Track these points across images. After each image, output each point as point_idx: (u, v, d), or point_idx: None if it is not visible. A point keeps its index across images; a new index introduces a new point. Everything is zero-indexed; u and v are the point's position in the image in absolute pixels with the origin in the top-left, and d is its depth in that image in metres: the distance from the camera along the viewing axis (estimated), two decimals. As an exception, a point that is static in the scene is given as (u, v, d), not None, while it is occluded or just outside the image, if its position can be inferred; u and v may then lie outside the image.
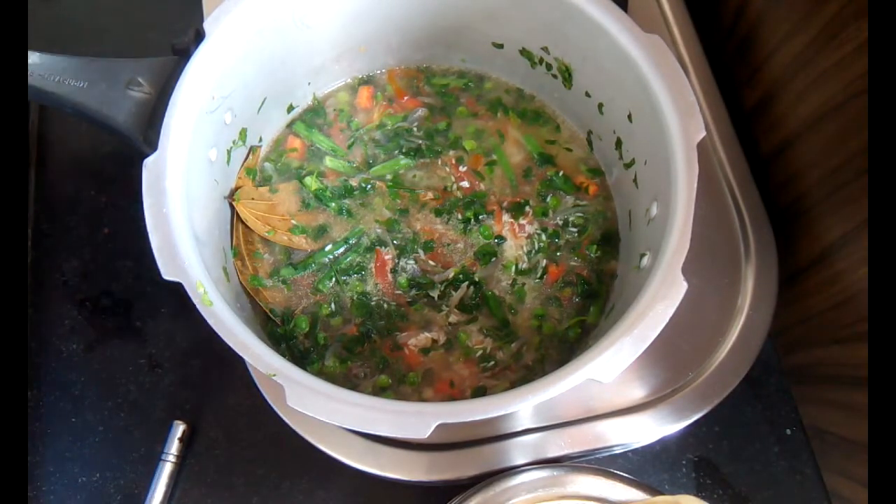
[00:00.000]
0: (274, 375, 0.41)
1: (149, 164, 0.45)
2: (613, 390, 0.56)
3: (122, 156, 0.50)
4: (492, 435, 0.54)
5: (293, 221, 0.58)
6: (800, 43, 0.56)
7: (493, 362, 0.54)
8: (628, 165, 0.55)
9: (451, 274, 0.56)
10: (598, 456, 0.56)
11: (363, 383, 0.53)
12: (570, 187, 0.59)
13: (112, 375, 0.59)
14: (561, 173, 0.60)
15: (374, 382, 0.53)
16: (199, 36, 0.48)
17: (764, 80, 0.62)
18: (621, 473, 0.49)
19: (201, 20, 0.49)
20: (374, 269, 0.57)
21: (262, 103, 0.57)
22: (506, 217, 0.58)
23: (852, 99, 0.51)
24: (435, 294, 0.56)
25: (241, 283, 0.55)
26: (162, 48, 0.48)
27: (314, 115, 0.62)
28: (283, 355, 0.44)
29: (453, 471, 0.53)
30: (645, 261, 0.50)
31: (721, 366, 0.57)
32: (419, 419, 0.40)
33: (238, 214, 0.56)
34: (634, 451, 0.57)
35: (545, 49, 0.57)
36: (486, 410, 0.41)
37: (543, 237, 0.58)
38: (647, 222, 0.51)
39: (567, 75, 0.57)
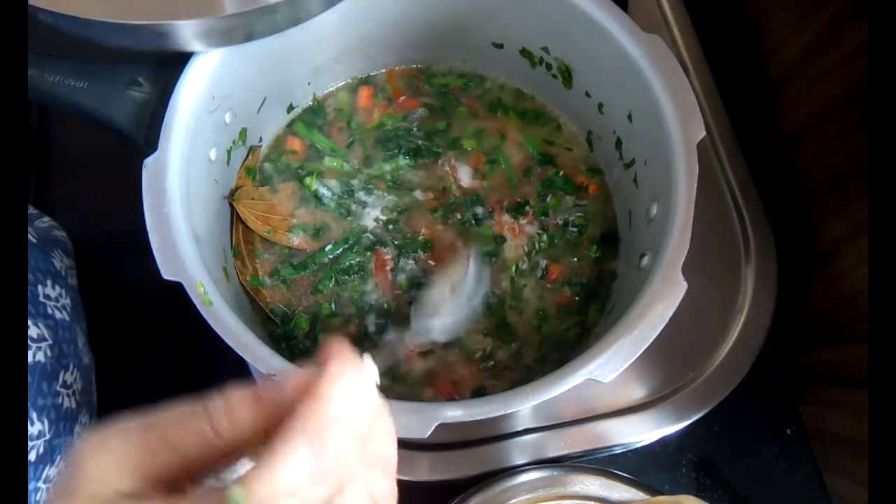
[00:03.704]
0: (274, 375, 0.41)
1: (149, 164, 0.45)
2: (613, 390, 0.56)
3: (122, 156, 0.50)
4: (492, 435, 0.55)
5: (293, 221, 0.58)
6: (800, 43, 0.56)
7: (493, 362, 0.54)
8: (628, 165, 0.55)
9: (451, 274, 0.56)
10: (598, 456, 0.56)
11: (363, 383, 0.53)
12: (570, 187, 0.59)
13: (112, 376, 0.59)
14: (561, 173, 0.60)
15: (374, 382, 0.53)
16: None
17: (764, 80, 0.62)
18: (621, 473, 0.49)
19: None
20: (373, 269, 0.57)
21: (262, 103, 0.57)
22: (506, 217, 0.58)
23: (852, 99, 0.51)
24: (435, 294, 0.56)
25: (241, 283, 0.55)
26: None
27: (314, 115, 0.62)
28: (283, 355, 0.44)
29: (453, 471, 0.53)
30: (645, 261, 0.50)
31: (721, 366, 0.57)
32: (419, 419, 0.40)
33: (238, 214, 0.56)
34: (634, 451, 0.57)
35: (545, 49, 0.57)
36: (486, 410, 0.41)
37: (543, 237, 0.58)
38: (647, 222, 0.51)
39: (567, 75, 0.57)
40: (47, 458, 0.46)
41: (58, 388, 0.47)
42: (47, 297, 0.49)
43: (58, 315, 0.50)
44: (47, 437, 0.45)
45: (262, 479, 0.23)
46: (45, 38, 0.43)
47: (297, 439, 0.24)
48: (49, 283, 0.50)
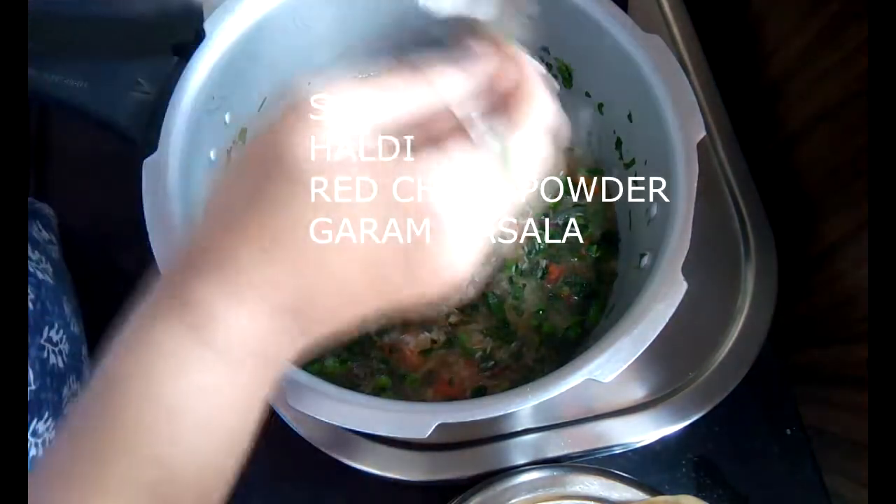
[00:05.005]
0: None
1: (149, 164, 0.45)
2: (613, 390, 0.56)
3: (122, 156, 0.50)
4: (492, 435, 0.54)
5: (293, 221, 0.58)
6: (800, 43, 0.56)
7: (493, 362, 0.54)
8: (628, 165, 0.55)
9: (451, 274, 0.56)
10: (598, 456, 0.56)
11: (363, 383, 0.53)
12: (570, 187, 0.59)
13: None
14: (561, 173, 0.60)
15: (374, 382, 0.53)
16: (200, 36, 0.48)
17: (764, 79, 0.62)
18: (621, 473, 0.49)
19: (201, 20, 0.49)
20: (374, 270, 0.57)
21: (262, 103, 0.57)
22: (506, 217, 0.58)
23: (852, 99, 0.51)
24: (435, 294, 0.56)
25: (241, 283, 0.55)
26: (162, 48, 0.48)
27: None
28: (283, 355, 0.44)
29: (453, 471, 0.53)
30: (645, 261, 0.50)
31: (721, 366, 0.57)
32: (419, 419, 0.40)
33: (238, 214, 0.56)
34: (634, 451, 0.57)
35: (545, 49, 0.57)
36: (486, 410, 0.41)
37: (544, 237, 0.58)
38: (647, 222, 0.51)
39: (567, 75, 0.57)
40: (34, 410, 0.45)
41: (42, 342, 0.47)
42: (28, 258, 0.49)
43: (39, 275, 0.49)
44: (33, 387, 0.45)
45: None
46: (46, 38, 0.43)
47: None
48: (29, 247, 0.51)
